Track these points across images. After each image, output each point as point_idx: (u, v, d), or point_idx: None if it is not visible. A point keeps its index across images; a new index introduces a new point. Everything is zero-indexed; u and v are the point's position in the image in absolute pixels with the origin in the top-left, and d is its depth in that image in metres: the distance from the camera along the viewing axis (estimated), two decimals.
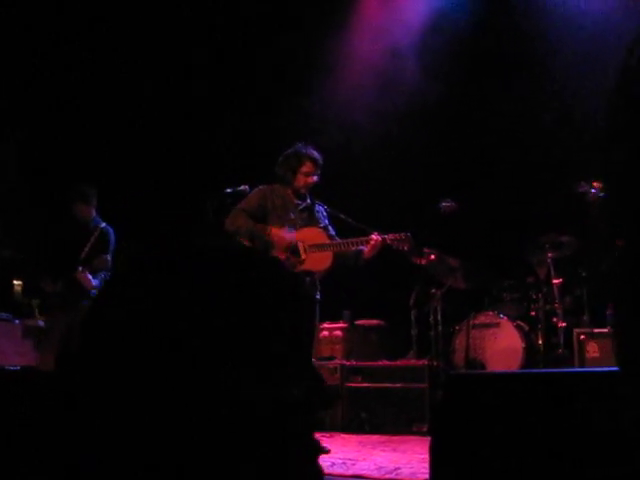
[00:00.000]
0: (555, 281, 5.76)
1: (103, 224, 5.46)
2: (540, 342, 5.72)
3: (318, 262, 4.45)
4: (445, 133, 6.86)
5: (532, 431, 1.63)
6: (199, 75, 7.54)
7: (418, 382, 5.32)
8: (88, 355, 0.69)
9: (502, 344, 5.74)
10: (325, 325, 6.36)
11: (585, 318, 5.81)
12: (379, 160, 7.01)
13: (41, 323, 6.15)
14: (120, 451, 0.64)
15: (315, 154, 4.57)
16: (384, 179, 6.91)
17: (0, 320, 6.49)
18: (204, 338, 0.59)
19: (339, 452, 4.21)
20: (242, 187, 4.65)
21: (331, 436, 5.05)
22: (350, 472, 3.46)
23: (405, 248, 4.43)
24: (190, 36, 7.36)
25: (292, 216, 4.54)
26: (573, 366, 5.37)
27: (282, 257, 4.36)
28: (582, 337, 5.47)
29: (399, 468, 3.56)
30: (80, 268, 5.14)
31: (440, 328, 5.85)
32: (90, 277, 5.16)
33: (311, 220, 4.60)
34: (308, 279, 4.41)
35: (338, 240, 4.59)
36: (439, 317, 5.86)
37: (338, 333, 6.47)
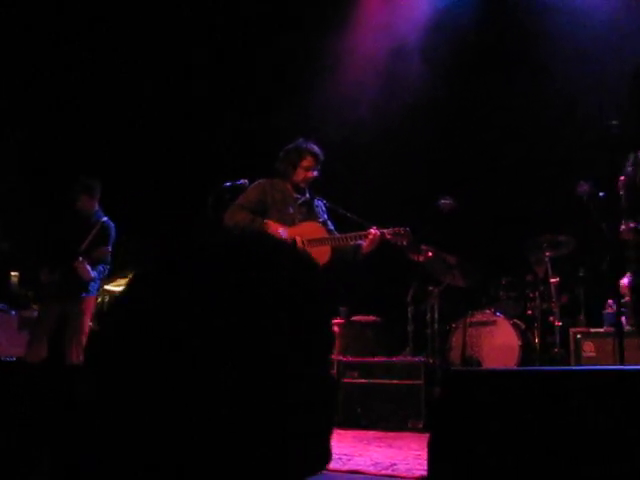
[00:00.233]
0: (552, 280, 5.77)
1: (105, 218, 5.47)
2: (536, 341, 5.73)
3: (316, 257, 4.44)
4: (445, 130, 6.86)
5: (530, 428, 1.63)
6: (199, 75, 7.53)
7: (414, 379, 5.32)
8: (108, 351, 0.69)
9: (499, 342, 5.75)
10: None
11: (582, 317, 5.82)
12: (379, 156, 7.01)
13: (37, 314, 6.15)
14: (120, 451, 0.64)
15: (316, 149, 4.57)
16: (384, 174, 6.92)
17: None
18: (204, 338, 0.59)
19: (335, 447, 4.17)
20: (241, 181, 4.65)
21: None
22: (346, 467, 3.46)
23: (404, 243, 4.43)
24: (190, 36, 7.35)
25: (291, 210, 4.53)
26: (569, 365, 5.38)
27: None
28: (578, 336, 5.48)
29: (395, 464, 3.56)
30: (80, 258, 5.14)
31: (437, 325, 5.86)
32: (89, 268, 5.16)
33: (310, 215, 4.60)
34: None
35: (337, 235, 4.58)
36: (436, 314, 5.86)
37: (334, 329, 6.48)
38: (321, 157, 4.57)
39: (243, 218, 4.46)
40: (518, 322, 5.86)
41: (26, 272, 6.78)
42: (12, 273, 7.05)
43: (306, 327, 0.67)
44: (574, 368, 4.13)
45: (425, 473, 2.99)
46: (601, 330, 5.43)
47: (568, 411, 1.62)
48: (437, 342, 5.84)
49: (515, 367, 5.43)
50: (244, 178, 4.67)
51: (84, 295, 5.25)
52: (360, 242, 4.46)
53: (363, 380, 5.56)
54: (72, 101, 7.57)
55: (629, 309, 4.77)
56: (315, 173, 4.58)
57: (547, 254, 5.77)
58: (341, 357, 5.88)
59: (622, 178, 4.31)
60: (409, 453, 3.95)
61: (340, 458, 3.73)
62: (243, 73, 7.46)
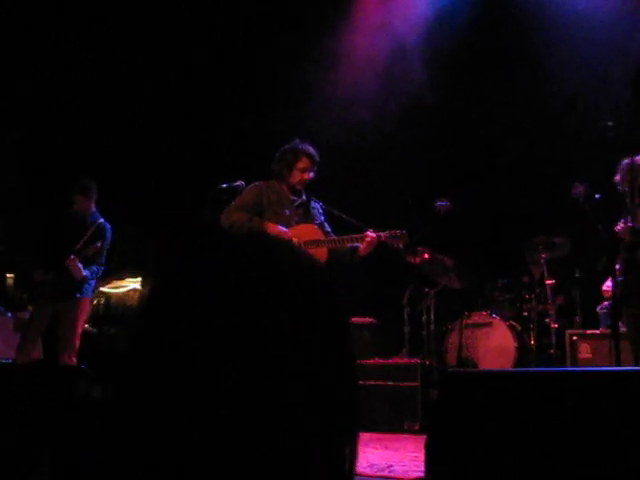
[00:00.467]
0: (548, 282, 5.78)
1: (101, 219, 5.46)
2: (532, 342, 5.74)
3: None
4: (441, 132, 6.87)
5: (526, 429, 1.64)
6: (198, 75, 7.52)
7: (410, 380, 5.32)
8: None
9: (494, 343, 5.76)
10: None
11: (577, 319, 5.84)
12: (376, 158, 7.01)
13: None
14: (120, 451, 0.64)
15: (311, 150, 4.56)
16: (381, 177, 6.92)
17: None
18: (204, 338, 0.59)
19: None
20: (238, 183, 4.64)
21: None
22: None
23: (400, 245, 4.44)
24: (190, 36, 7.35)
25: (287, 212, 4.53)
26: (565, 367, 5.38)
27: None
28: (574, 338, 5.49)
29: (392, 466, 3.56)
30: (72, 256, 5.12)
31: (433, 327, 5.86)
32: (81, 266, 5.14)
33: (307, 217, 4.60)
34: None
35: (333, 237, 4.58)
36: (432, 316, 5.86)
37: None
38: (317, 158, 4.56)
39: (239, 218, 4.45)
40: (514, 324, 5.87)
41: (22, 274, 6.77)
42: (8, 275, 7.04)
43: (306, 327, 0.67)
44: (570, 369, 4.14)
45: (422, 475, 2.99)
46: (597, 332, 5.44)
47: (564, 412, 1.62)
48: (433, 344, 5.84)
49: (511, 368, 5.44)
50: (241, 179, 4.67)
51: (78, 296, 5.22)
52: (357, 244, 4.46)
53: (359, 382, 5.56)
54: (71, 101, 7.56)
55: (607, 312, 4.87)
56: (311, 175, 4.56)
57: (543, 256, 5.78)
58: None
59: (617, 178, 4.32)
60: (405, 455, 3.95)
61: None
62: (243, 73, 7.46)
